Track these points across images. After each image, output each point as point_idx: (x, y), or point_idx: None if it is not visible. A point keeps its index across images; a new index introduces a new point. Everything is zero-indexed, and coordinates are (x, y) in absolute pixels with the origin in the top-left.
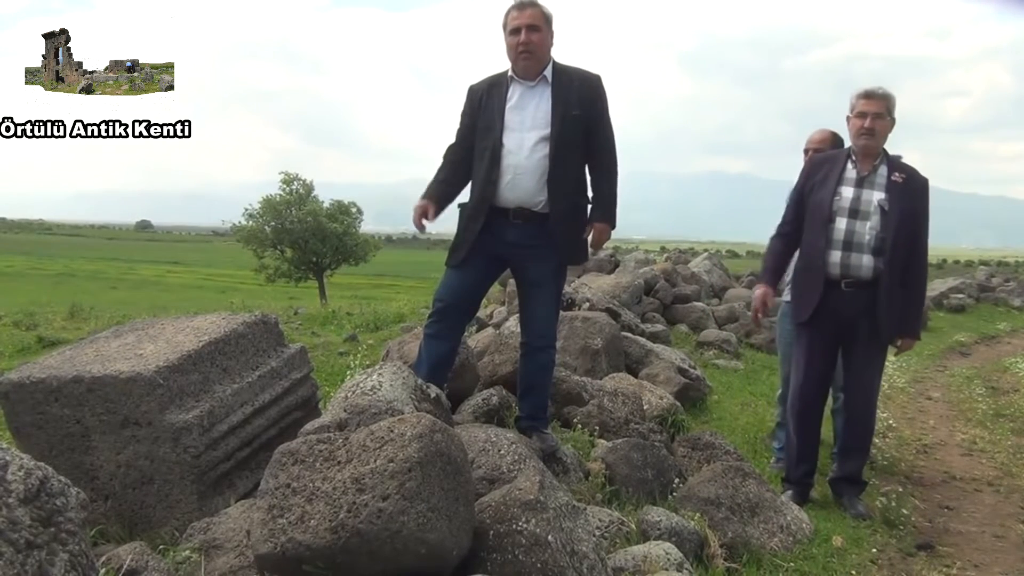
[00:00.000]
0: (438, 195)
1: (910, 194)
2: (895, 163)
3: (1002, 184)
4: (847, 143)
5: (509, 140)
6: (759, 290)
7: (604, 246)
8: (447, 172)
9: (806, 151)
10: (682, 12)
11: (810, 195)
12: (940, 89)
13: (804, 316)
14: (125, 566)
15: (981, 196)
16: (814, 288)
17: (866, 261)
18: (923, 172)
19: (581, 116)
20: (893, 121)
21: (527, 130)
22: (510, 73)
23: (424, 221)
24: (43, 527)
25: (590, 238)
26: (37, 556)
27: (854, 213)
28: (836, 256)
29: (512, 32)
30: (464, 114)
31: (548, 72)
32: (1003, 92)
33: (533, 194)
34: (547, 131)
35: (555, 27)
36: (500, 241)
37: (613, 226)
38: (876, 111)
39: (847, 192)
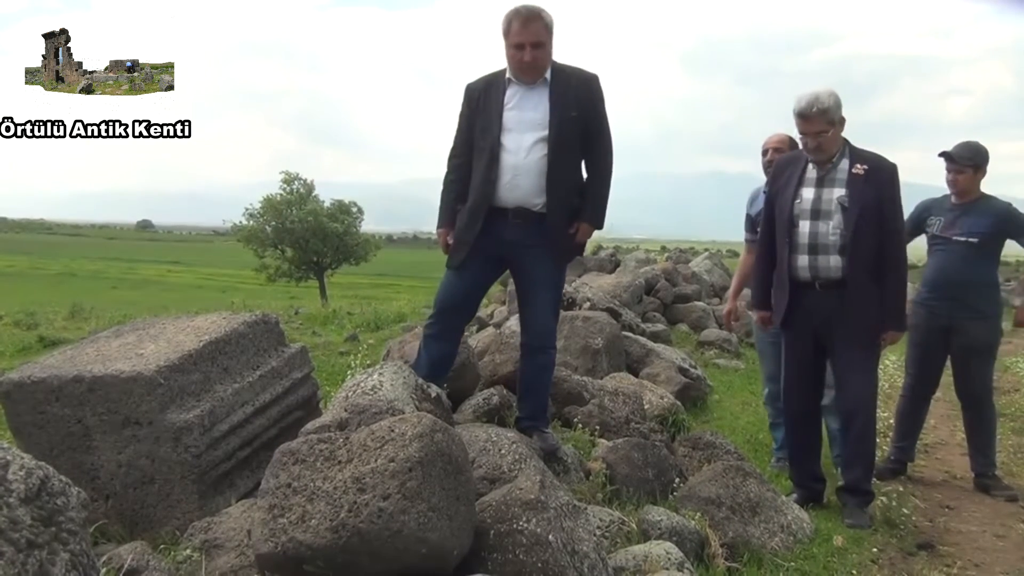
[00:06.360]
0: (455, 220)
1: (873, 184)
2: (856, 154)
3: (1002, 184)
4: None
5: (508, 141)
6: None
7: (602, 246)
8: (456, 189)
9: (765, 151)
10: (682, 12)
11: (775, 200)
12: (942, 88)
13: (777, 321)
14: (126, 566)
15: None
16: (783, 293)
17: (834, 262)
18: (923, 171)
19: (579, 117)
20: (842, 123)
21: (525, 131)
22: (508, 75)
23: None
24: (44, 527)
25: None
26: (38, 556)
27: (816, 214)
28: (804, 260)
29: (515, 46)
30: (462, 115)
31: (547, 73)
32: (1005, 92)
33: (532, 194)
34: (545, 132)
35: (555, 27)
36: (499, 241)
37: (600, 228)
38: (816, 131)
39: (807, 193)
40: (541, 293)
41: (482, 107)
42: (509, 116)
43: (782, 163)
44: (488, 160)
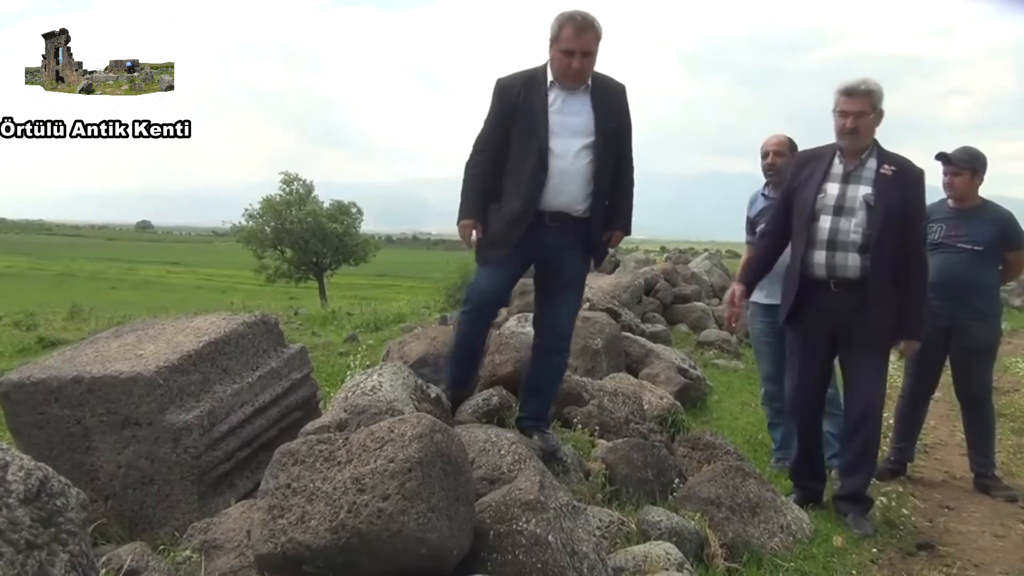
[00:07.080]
0: (483, 212)
1: (900, 187)
2: (885, 155)
3: (1002, 184)
4: (800, 147)
5: (555, 144)
6: (731, 287)
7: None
8: (481, 185)
9: (765, 153)
10: (682, 12)
11: (795, 194)
12: (942, 88)
13: (781, 318)
14: (125, 566)
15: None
16: (791, 289)
17: (852, 260)
18: (924, 171)
19: (616, 128)
20: (880, 114)
21: (571, 136)
22: (551, 78)
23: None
24: (43, 527)
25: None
26: (37, 556)
27: (839, 210)
28: (821, 256)
29: (565, 52)
30: (494, 110)
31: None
32: (1005, 92)
33: (576, 200)
34: (591, 139)
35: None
36: (537, 243)
37: (629, 234)
38: (858, 110)
39: (832, 189)
40: (570, 294)
41: (523, 106)
42: (554, 119)
43: (804, 157)
44: (536, 162)
